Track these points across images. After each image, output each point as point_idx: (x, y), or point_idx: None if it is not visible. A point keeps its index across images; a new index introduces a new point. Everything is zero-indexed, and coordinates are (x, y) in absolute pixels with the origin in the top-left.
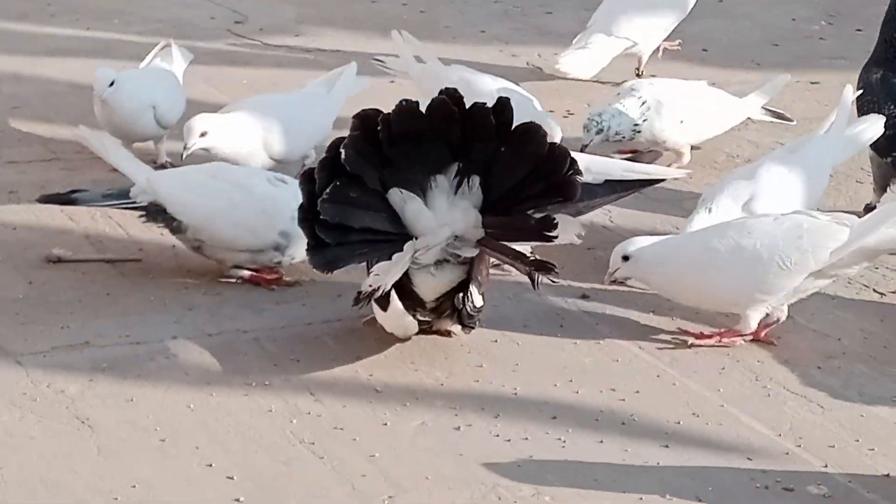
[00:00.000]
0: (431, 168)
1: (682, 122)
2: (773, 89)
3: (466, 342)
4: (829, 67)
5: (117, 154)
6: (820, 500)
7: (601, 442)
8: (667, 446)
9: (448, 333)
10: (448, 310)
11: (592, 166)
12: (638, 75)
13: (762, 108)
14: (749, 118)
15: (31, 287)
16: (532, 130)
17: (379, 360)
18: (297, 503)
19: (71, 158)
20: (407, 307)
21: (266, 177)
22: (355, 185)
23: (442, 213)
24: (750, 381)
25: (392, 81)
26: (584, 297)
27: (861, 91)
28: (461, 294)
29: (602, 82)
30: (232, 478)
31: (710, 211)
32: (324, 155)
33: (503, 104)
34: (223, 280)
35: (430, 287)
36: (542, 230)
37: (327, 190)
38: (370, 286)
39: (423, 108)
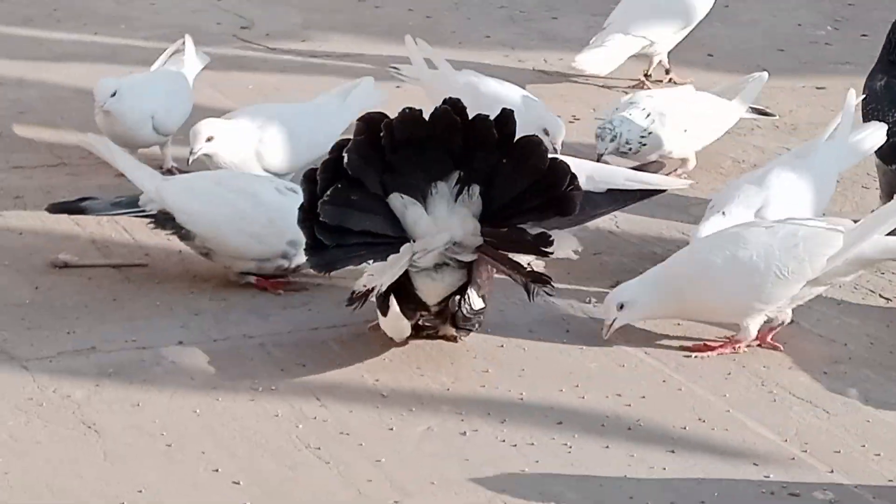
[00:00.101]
0: (433, 175)
1: (685, 130)
2: (755, 89)
3: (472, 347)
4: (835, 73)
5: (125, 161)
6: None
7: (607, 447)
8: (673, 451)
9: (454, 339)
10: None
11: (596, 174)
12: (646, 76)
13: (749, 107)
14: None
15: (38, 292)
16: (533, 144)
17: (385, 365)
18: None
19: (77, 163)
20: (411, 310)
21: (275, 185)
22: (356, 189)
23: (441, 220)
24: (756, 386)
25: (398, 87)
26: (590, 302)
27: (865, 97)
28: (458, 297)
29: (608, 87)
30: (238, 483)
31: (724, 215)
32: (327, 156)
33: (506, 116)
34: (229, 285)
35: (431, 290)
36: (539, 245)
37: (328, 192)
38: (364, 286)
39: (426, 116)
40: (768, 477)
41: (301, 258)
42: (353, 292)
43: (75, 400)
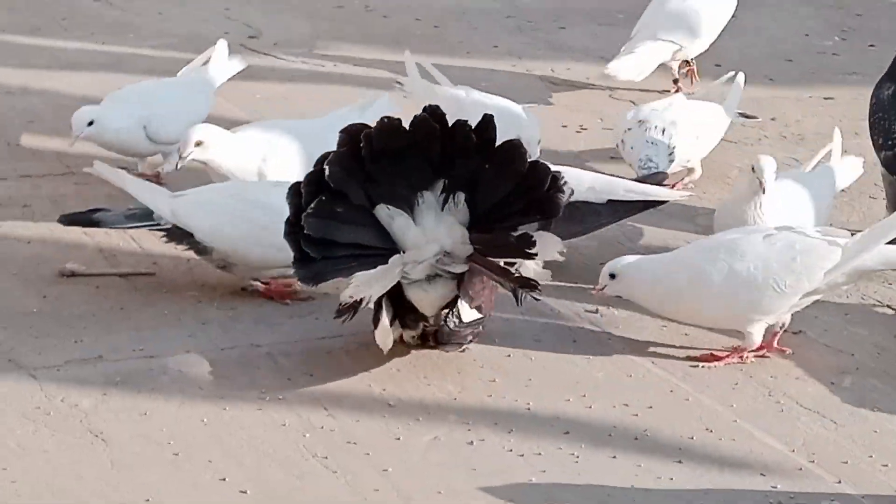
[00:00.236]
0: (417, 184)
1: (697, 137)
2: (738, 91)
3: (479, 357)
4: (843, 83)
5: (136, 187)
6: None
7: (614, 457)
8: (680, 461)
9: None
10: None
11: (596, 185)
12: (675, 82)
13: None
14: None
15: (45, 301)
16: (513, 148)
17: (392, 375)
18: None
19: (85, 173)
20: (413, 321)
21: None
22: (340, 201)
23: (429, 229)
24: (763, 396)
25: (405, 97)
26: (597, 311)
27: (872, 106)
28: (445, 310)
29: (616, 98)
30: (245, 492)
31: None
32: (311, 169)
33: (486, 121)
34: (237, 294)
35: (426, 301)
36: (522, 247)
37: (312, 205)
38: (351, 297)
39: (406, 125)
40: (775, 487)
41: None
42: (341, 304)
43: (83, 409)
